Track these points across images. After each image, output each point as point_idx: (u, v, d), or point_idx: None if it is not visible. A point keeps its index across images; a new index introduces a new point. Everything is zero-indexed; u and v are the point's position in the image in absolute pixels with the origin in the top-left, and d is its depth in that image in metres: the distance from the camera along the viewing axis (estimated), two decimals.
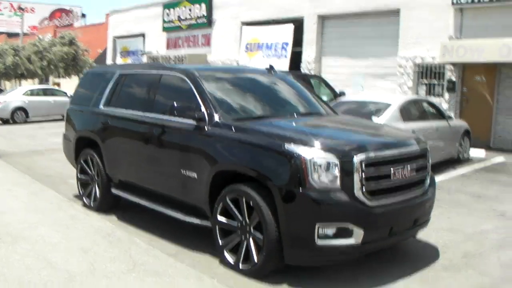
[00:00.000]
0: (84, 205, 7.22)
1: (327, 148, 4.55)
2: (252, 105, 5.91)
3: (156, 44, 25.86)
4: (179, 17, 24.27)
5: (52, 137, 16.08)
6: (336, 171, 4.47)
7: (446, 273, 5.12)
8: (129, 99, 6.62)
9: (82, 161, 7.19)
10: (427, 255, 5.60)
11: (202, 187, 5.20)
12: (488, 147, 14.03)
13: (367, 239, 4.56)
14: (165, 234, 6.06)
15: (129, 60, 27.92)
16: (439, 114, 10.96)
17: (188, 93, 5.64)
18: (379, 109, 9.36)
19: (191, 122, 5.43)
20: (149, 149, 6.00)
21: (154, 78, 6.26)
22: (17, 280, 4.46)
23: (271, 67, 6.69)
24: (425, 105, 10.82)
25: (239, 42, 21.75)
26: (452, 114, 13.23)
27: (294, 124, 5.44)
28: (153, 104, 6.11)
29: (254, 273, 4.76)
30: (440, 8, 15.32)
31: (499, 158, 12.64)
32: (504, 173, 10.81)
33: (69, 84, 27.21)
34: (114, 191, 6.66)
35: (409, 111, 9.90)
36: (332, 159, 4.48)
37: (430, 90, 15.98)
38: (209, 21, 22.95)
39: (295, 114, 5.93)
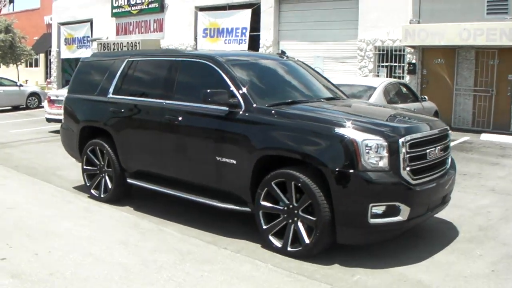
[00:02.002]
0: (91, 196, 7.06)
1: (375, 131, 4.74)
2: (280, 90, 5.98)
3: (105, 30, 25.13)
4: (129, 1, 23.68)
5: (11, 128, 15.44)
6: (385, 153, 4.67)
7: (473, 245, 5.46)
8: (143, 87, 6.50)
9: (88, 152, 6.99)
10: (447, 230, 5.93)
11: (243, 173, 5.25)
12: (450, 127, 14.69)
13: (411, 216, 4.80)
14: (191, 222, 6.07)
15: (74, 47, 26.99)
16: (414, 96, 11.41)
17: (216, 79, 5.62)
18: (365, 92, 9.64)
19: (224, 108, 5.44)
20: (174, 137, 5.95)
21: (172, 65, 6.16)
22: (75, 276, 4.36)
23: (283, 52, 6.77)
24: (402, 87, 11.23)
25: (194, 27, 21.53)
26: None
27: (330, 108, 5.56)
28: (173, 91, 6.03)
29: (303, 254, 4.89)
30: None
31: (464, 137, 13.31)
32: (474, 152, 11.40)
33: (8, 74, 25.87)
34: (130, 181, 6.56)
35: (390, 93, 10.27)
36: (381, 141, 4.67)
37: (390, 73, 16.49)
38: (161, 6, 22.55)
39: (321, 98, 6.05)
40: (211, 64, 5.77)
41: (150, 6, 22.84)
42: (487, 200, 7.27)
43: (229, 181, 5.46)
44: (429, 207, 5.14)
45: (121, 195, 6.84)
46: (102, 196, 6.87)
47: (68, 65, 29.35)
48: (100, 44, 23.78)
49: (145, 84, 6.50)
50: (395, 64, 16.39)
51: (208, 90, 5.36)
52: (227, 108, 5.43)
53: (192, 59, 6.06)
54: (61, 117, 13.67)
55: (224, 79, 5.57)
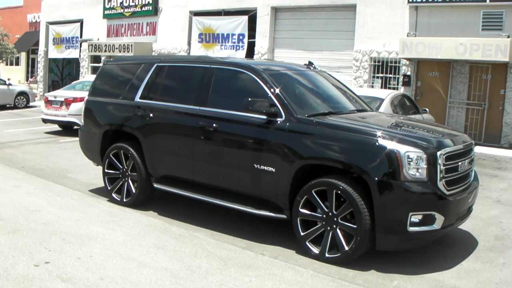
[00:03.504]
0: (111, 200, 7.09)
1: (416, 144, 4.95)
2: (315, 101, 6.15)
3: (96, 32, 24.95)
4: (121, 3, 23.60)
5: (4, 128, 15.27)
6: (424, 164, 4.87)
7: (494, 254, 5.69)
8: (174, 92, 6.56)
9: (111, 156, 7.02)
10: (467, 239, 6.16)
11: (281, 181, 5.38)
12: None
13: (444, 225, 5.02)
14: (219, 228, 6.16)
15: (63, 47, 26.74)
16: (415, 108, 11.68)
17: (255, 88, 5.75)
18: (373, 103, 9.84)
19: (262, 117, 5.57)
20: (208, 144, 6.04)
21: (207, 72, 6.25)
22: (126, 281, 4.42)
23: (310, 63, 6.92)
24: (405, 100, 11.49)
25: (188, 32, 21.58)
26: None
27: (367, 120, 5.73)
28: (208, 98, 6.13)
29: (342, 260, 5.04)
30: (396, 5, 16.15)
31: None
32: None
33: None
34: (157, 185, 6.61)
35: (396, 105, 10.51)
36: (421, 153, 4.87)
37: (385, 84, 16.79)
38: (155, 9, 22.51)
39: (353, 110, 6.24)
40: (249, 73, 5.89)
41: (143, 9, 22.79)
42: (495, 211, 7.53)
43: (265, 188, 5.58)
44: (458, 217, 5.36)
45: (144, 200, 6.89)
46: (124, 200, 6.91)
47: (55, 65, 29.07)
48: (91, 45, 23.63)
49: (177, 90, 6.57)
50: (390, 75, 16.69)
51: (250, 99, 5.48)
52: (265, 117, 5.55)
53: (229, 67, 6.18)
54: (58, 118, 13.85)
55: (263, 88, 5.70)
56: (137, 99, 6.83)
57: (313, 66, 6.89)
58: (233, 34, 19.93)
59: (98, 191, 7.76)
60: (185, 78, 6.56)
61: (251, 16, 19.73)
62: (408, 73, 16.05)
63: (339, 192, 4.99)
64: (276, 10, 19.53)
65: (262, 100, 5.52)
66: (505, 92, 14.47)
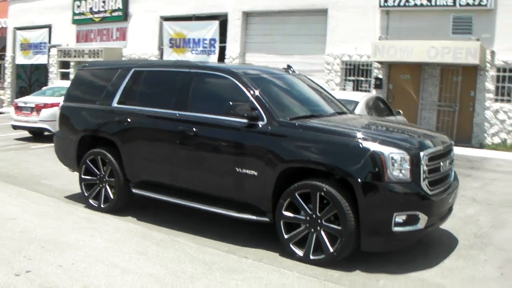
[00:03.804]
0: (89, 206, 6.94)
1: (399, 145, 4.99)
2: (295, 104, 6.14)
3: (65, 37, 24.56)
4: (91, 9, 23.29)
5: None
6: (407, 165, 4.91)
7: (474, 251, 5.78)
8: (152, 97, 6.48)
9: (88, 162, 6.89)
10: (447, 238, 6.22)
11: (264, 184, 5.35)
12: None
13: (428, 224, 5.06)
14: (199, 232, 6.09)
15: (30, 53, 26.22)
16: (389, 110, 11.80)
17: (235, 92, 5.71)
18: (349, 105, 9.90)
19: (243, 120, 5.53)
20: (188, 148, 5.98)
21: (186, 76, 6.19)
22: (111, 287, 4.33)
23: (289, 67, 6.93)
24: (379, 102, 11.60)
25: (159, 37, 21.44)
26: None
27: (348, 123, 5.74)
28: (186, 103, 6.08)
29: (327, 262, 5.04)
30: (367, 9, 16.36)
31: None
32: None
33: None
34: (135, 191, 6.51)
35: (371, 107, 10.61)
36: (404, 154, 4.91)
37: (356, 87, 16.97)
38: (125, 15, 22.31)
39: (333, 113, 6.25)
40: (229, 77, 5.85)
41: (113, 14, 22.55)
42: (472, 210, 7.64)
43: (248, 192, 5.54)
44: (440, 217, 5.42)
45: (123, 206, 6.78)
46: (102, 206, 6.78)
47: (23, 71, 28.49)
48: (60, 51, 23.25)
49: (155, 94, 6.48)
50: (362, 78, 16.89)
51: (231, 103, 5.44)
52: (246, 121, 5.52)
53: (208, 71, 6.14)
54: (29, 124, 13.56)
55: (244, 92, 5.67)
56: (114, 104, 6.73)
57: (292, 69, 6.89)
58: (204, 39, 19.87)
59: (74, 198, 7.60)
60: (164, 82, 6.49)
61: (222, 21, 19.72)
62: (380, 76, 16.26)
63: (323, 194, 4.99)
64: (247, 15, 19.57)
65: (243, 104, 5.49)
66: (475, 93, 14.80)
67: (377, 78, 16.30)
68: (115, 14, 22.50)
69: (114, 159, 6.62)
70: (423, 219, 4.97)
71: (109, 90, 6.84)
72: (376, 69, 16.37)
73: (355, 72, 17.01)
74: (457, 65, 14.60)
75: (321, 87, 7.05)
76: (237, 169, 5.53)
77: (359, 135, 5.07)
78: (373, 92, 16.21)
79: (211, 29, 19.72)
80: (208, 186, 5.91)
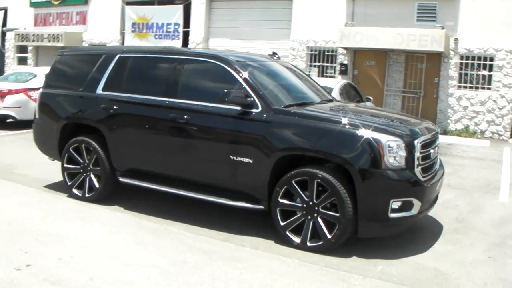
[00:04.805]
0: (71, 196, 6.80)
1: (395, 133, 5.11)
2: (288, 92, 6.17)
3: (21, 20, 23.66)
4: None
5: None
6: (403, 153, 5.04)
7: (460, 235, 6.00)
8: (138, 84, 6.34)
9: (71, 150, 6.73)
10: (432, 223, 6.42)
11: (260, 172, 5.37)
12: None
13: (421, 210, 5.23)
14: (192, 221, 6.07)
15: None
16: (359, 97, 11.99)
17: (228, 79, 5.69)
18: None
19: (237, 108, 5.52)
20: (179, 136, 5.91)
21: (176, 63, 6.11)
22: (117, 280, 4.29)
23: (274, 54, 6.94)
24: (350, 88, 11.76)
25: (121, 21, 20.97)
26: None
27: (342, 110, 5.82)
28: (177, 90, 6.01)
29: (324, 249, 5.13)
30: None
31: None
32: None
33: None
34: (123, 179, 6.42)
35: (344, 93, 10.75)
36: (400, 142, 5.04)
37: (322, 73, 17.12)
38: None
39: (323, 100, 6.32)
40: (221, 64, 5.81)
41: None
42: (449, 195, 7.90)
43: (242, 180, 5.55)
44: (430, 203, 5.60)
45: (108, 195, 6.67)
46: (86, 195, 6.64)
47: None
48: (18, 34, 22.42)
49: (142, 81, 6.35)
50: (327, 64, 17.04)
51: (225, 90, 5.43)
52: (240, 108, 5.51)
53: (199, 58, 6.07)
54: None
55: (237, 79, 5.65)
56: (99, 91, 6.58)
57: (277, 56, 6.91)
58: (168, 24, 19.58)
59: (54, 187, 7.43)
60: (151, 69, 6.39)
61: (186, 5, 19.46)
62: (345, 62, 16.45)
63: (320, 181, 5.06)
64: (211, 0, 19.37)
65: (237, 91, 5.48)
66: (439, 80, 15.19)
67: (342, 64, 16.48)
68: None
69: (99, 147, 6.50)
70: (416, 205, 5.13)
71: (92, 77, 6.68)
72: (342, 55, 16.55)
73: (320, 58, 17.14)
74: (422, 52, 14.93)
75: (306, 74, 7.10)
76: (231, 156, 5.53)
77: (356, 122, 5.16)
78: (339, 78, 16.42)
79: (175, 14, 19.43)
80: (200, 174, 5.88)
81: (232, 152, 5.55)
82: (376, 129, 5.07)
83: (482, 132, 14.75)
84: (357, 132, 5.04)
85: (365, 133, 5.01)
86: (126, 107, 6.32)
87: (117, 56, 6.58)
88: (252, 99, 5.48)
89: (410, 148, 5.08)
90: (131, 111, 6.31)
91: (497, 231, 6.20)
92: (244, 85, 5.60)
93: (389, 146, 4.96)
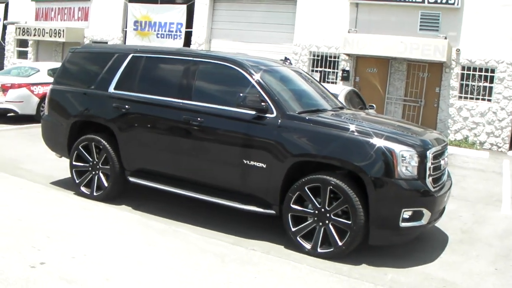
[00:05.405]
0: (80, 194, 6.81)
1: (408, 143, 5.18)
2: (302, 98, 6.23)
3: (22, 14, 23.59)
4: None
5: None
6: (415, 163, 5.10)
7: (466, 246, 6.08)
8: (152, 84, 6.36)
9: (80, 148, 6.74)
10: (437, 233, 6.49)
11: (273, 177, 5.41)
12: None
13: (430, 220, 5.29)
14: (199, 222, 6.11)
15: None
16: (363, 104, 12.06)
17: (243, 83, 5.73)
18: None
19: (252, 112, 5.56)
20: (192, 138, 5.93)
21: (189, 65, 6.14)
22: (134, 280, 4.30)
23: (286, 59, 6.98)
24: (354, 95, 11.83)
25: (123, 19, 20.97)
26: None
27: (356, 119, 5.87)
28: (191, 92, 6.04)
29: (335, 255, 5.18)
30: (337, 1, 16.55)
31: None
32: None
33: None
34: (132, 179, 6.43)
35: (348, 100, 10.81)
36: (413, 152, 5.11)
37: (324, 78, 17.19)
38: None
39: (335, 108, 6.38)
40: (237, 68, 5.85)
41: None
42: (452, 206, 7.92)
43: (254, 184, 5.58)
44: (439, 213, 5.67)
45: (117, 194, 6.69)
46: (95, 194, 6.66)
47: None
48: (19, 28, 22.34)
49: (156, 82, 6.37)
50: (329, 70, 17.11)
51: (241, 94, 5.47)
52: (254, 112, 5.55)
53: (214, 61, 6.10)
54: None
55: (252, 84, 5.70)
56: (111, 89, 6.59)
57: (289, 61, 6.95)
58: (171, 23, 19.59)
59: (60, 184, 7.44)
60: (165, 70, 6.43)
61: (189, 5, 19.49)
62: (347, 68, 16.54)
63: (333, 188, 5.10)
64: (214, 1, 19.41)
65: (252, 95, 5.51)
66: (440, 90, 15.31)
67: (344, 70, 16.56)
68: None
69: (110, 146, 6.51)
70: (427, 215, 5.19)
71: (105, 75, 6.69)
72: (344, 61, 16.63)
73: (323, 63, 17.22)
74: (424, 61, 15.05)
75: (317, 80, 7.14)
76: (244, 160, 5.57)
77: (371, 131, 5.21)
78: (341, 84, 16.49)
79: (179, 13, 19.45)
80: (211, 177, 5.91)
81: (245, 156, 5.58)
82: (390, 139, 5.14)
83: (481, 143, 14.87)
84: (372, 141, 5.09)
85: (380, 142, 5.07)
86: (139, 107, 6.34)
87: (130, 56, 6.60)
88: (267, 104, 5.52)
89: (422, 158, 5.15)
90: (143, 111, 6.33)
91: (501, 243, 6.27)
92: (259, 89, 5.64)
93: (402, 156, 5.02)
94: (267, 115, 5.52)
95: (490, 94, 14.77)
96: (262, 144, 5.49)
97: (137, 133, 6.36)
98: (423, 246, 5.92)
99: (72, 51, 7.28)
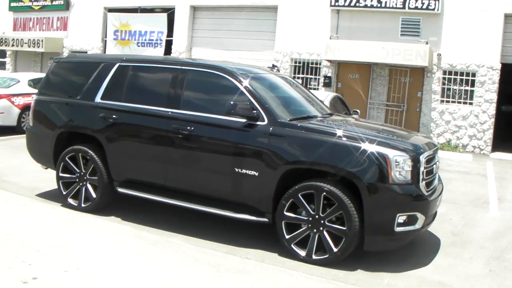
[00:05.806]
0: (67, 205, 6.68)
1: (402, 148, 5.17)
2: (292, 105, 6.20)
3: (0, 24, 23.27)
4: None
5: None
6: (409, 168, 5.10)
7: (458, 249, 6.09)
8: (139, 94, 6.27)
9: (67, 159, 6.63)
10: (429, 237, 6.49)
11: (265, 185, 5.36)
12: None
13: (424, 224, 5.29)
14: (191, 232, 6.03)
15: None
16: (347, 109, 12.10)
17: (233, 91, 5.68)
18: None
19: (242, 120, 5.51)
20: (182, 148, 5.86)
21: (177, 73, 6.08)
22: None
23: (274, 66, 6.96)
24: (339, 101, 11.86)
25: (103, 28, 20.81)
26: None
27: (347, 125, 5.86)
28: (179, 101, 5.97)
29: (330, 262, 5.15)
30: (317, 8, 16.63)
31: None
32: None
33: None
34: (121, 190, 6.33)
35: (333, 106, 10.83)
36: (406, 157, 5.11)
37: (305, 85, 17.22)
38: (66, 4, 21.42)
39: (324, 114, 6.37)
40: (226, 76, 5.80)
41: (54, 3, 21.60)
42: (442, 209, 7.88)
43: (247, 192, 5.53)
44: (432, 217, 5.67)
45: (105, 205, 6.58)
46: (82, 205, 6.54)
47: None
48: None
49: (143, 91, 6.29)
50: (311, 76, 17.16)
51: (232, 102, 5.42)
52: (245, 120, 5.51)
53: (203, 69, 6.04)
54: None
55: (243, 92, 5.65)
56: (98, 99, 6.49)
57: (277, 68, 6.93)
58: (151, 32, 19.50)
59: (46, 196, 7.31)
60: (153, 79, 6.35)
61: (169, 14, 19.43)
62: (329, 74, 16.60)
63: (326, 195, 5.08)
64: (195, 9, 19.39)
65: (243, 103, 5.47)
66: (422, 94, 15.45)
67: (326, 77, 16.62)
68: (56, 2, 21.58)
69: (97, 156, 6.41)
70: (421, 219, 5.20)
71: (91, 85, 6.59)
72: (326, 67, 16.69)
73: (304, 70, 17.26)
74: (405, 66, 15.18)
75: (305, 87, 7.13)
76: (236, 169, 5.51)
77: (363, 137, 5.20)
78: (323, 90, 16.54)
79: (159, 22, 19.36)
80: (203, 186, 5.84)
81: (236, 164, 5.53)
82: (384, 144, 5.13)
83: (464, 146, 15.03)
84: (365, 147, 5.08)
85: (373, 148, 5.06)
86: (126, 116, 6.25)
87: (117, 65, 6.51)
88: (258, 111, 5.48)
89: (415, 163, 5.15)
90: (131, 121, 6.24)
91: (493, 245, 6.30)
92: (250, 97, 5.60)
93: (396, 161, 5.02)
94: (258, 122, 5.48)
95: (471, 98, 14.94)
96: (254, 152, 5.45)
97: (125, 143, 6.27)
98: (416, 250, 5.92)
99: (57, 61, 7.16)
